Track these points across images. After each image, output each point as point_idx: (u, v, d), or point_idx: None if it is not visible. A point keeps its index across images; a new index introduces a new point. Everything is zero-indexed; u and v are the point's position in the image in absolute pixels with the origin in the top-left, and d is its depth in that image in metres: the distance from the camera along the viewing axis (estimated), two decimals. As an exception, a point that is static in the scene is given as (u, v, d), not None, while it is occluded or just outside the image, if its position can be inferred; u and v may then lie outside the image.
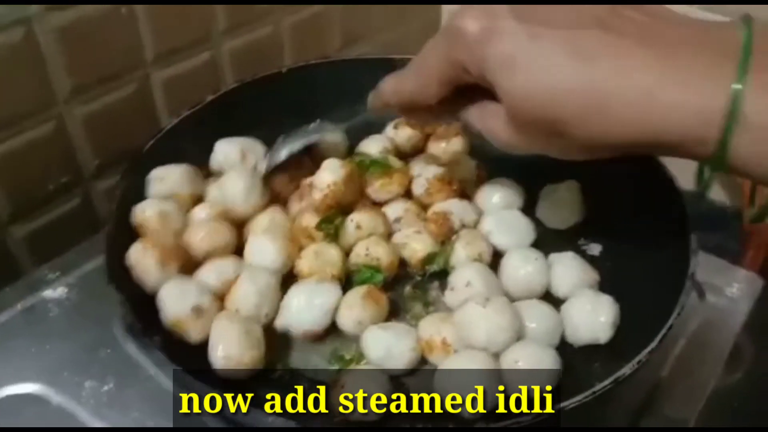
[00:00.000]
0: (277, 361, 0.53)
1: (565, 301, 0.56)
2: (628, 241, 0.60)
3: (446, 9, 1.11)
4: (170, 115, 0.74)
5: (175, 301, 0.51)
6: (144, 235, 0.57)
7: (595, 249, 0.63)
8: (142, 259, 0.54)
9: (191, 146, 0.65)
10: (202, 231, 0.58)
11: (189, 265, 0.56)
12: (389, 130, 0.72)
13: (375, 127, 0.72)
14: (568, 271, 0.58)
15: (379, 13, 0.98)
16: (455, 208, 0.63)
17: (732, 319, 0.62)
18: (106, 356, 0.57)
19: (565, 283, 0.57)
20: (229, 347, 0.49)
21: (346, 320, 0.54)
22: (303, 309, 0.54)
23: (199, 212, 0.61)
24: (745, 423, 0.69)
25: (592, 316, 0.53)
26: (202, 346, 0.51)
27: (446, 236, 0.61)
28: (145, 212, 0.58)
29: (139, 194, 0.61)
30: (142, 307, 0.51)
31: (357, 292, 0.55)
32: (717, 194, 0.97)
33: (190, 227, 0.59)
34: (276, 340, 0.54)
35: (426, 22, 1.10)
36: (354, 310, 0.54)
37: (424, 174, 0.65)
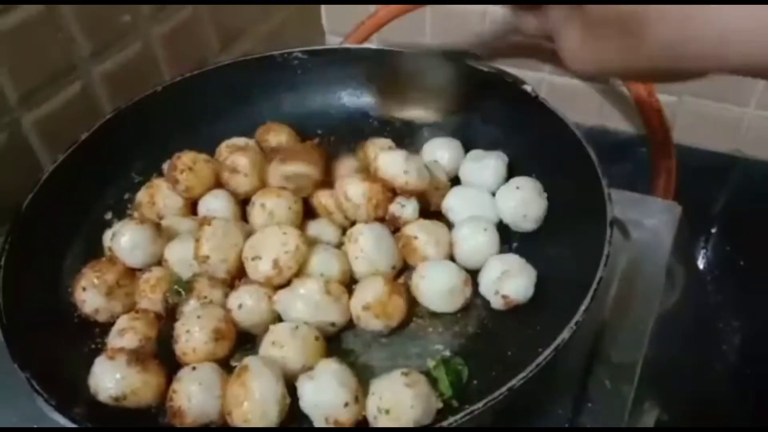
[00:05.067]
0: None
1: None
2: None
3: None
4: (52, 159, 0.68)
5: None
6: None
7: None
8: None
9: (76, 191, 0.61)
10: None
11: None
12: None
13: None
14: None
15: (251, 6, 0.94)
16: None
17: (659, 251, 0.63)
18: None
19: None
20: None
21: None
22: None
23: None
24: (691, 343, 0.70)
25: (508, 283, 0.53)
26: (133, 410, 0.48)
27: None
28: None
29: (26, 258, 0.55)
30: (53, 379, 0.47)
31: None
32: (618, 124, 0.98)
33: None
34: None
35: (304, 6, 1.06)
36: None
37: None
